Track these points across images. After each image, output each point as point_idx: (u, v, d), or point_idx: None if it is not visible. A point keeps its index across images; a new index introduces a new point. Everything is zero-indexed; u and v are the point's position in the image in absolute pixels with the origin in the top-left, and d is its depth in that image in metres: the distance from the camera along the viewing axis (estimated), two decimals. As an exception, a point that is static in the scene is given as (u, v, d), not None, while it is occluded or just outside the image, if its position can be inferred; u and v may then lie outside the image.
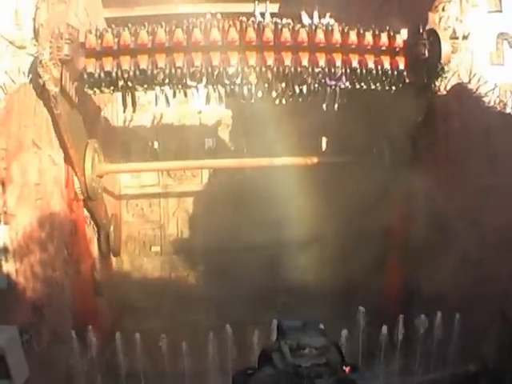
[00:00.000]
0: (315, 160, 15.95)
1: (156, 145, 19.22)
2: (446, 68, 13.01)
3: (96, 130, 15.71)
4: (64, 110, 12.61)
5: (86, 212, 15.11)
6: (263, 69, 13.16)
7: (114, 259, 18.67)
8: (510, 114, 12.10)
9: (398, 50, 13.48)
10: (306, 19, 13.50)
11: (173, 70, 12.87)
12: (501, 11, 13.76)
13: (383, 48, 13.41)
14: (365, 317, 13.09)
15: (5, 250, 10.79)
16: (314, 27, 13.08)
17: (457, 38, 13.47)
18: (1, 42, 11.56)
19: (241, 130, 19.71)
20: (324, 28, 13.10)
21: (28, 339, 10.69)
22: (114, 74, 12.76)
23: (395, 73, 13.42)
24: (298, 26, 13.13)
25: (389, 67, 13.38)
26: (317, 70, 13.21)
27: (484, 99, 12.57)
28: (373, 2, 16.11)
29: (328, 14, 13.55)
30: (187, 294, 17.74)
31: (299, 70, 13.17)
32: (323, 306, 15.24)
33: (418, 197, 14.52)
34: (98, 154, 15.16)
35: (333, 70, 13.25)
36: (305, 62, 13.10)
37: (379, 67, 13.39)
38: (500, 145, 11.92)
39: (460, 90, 13.22)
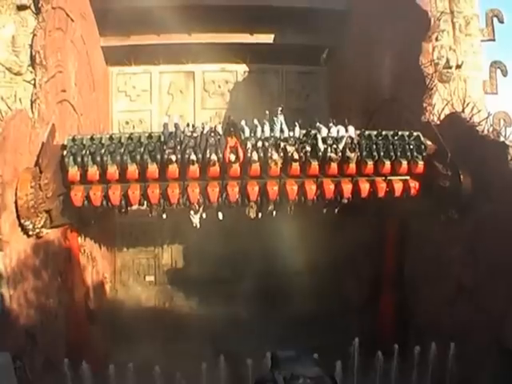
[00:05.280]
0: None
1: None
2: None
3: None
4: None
5: (80, 240, 15.02)
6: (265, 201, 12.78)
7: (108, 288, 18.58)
8: (503, 142, 12.11)
9: (414, 174, 12.90)
10: (324, 132, 12.54)
11: (167, 205, 12.66)
12: (494, 40, 13.94)
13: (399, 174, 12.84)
14: (359, 346, 12.99)
15: (-2, 276, 10.72)
16: (328, 156, 12.27)
17: (450, 68, 13.59)
18: (-2, 69, 11.65)
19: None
20: (339, 156, 12.30)
21: (21, 366, 10.56)
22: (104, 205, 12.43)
23: (404, 196, 12.90)
24: (310, 146, 12.35)
25: (399, 194, 12.84)
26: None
27: (478, 128, 12.62)
28: (364, 43, 16.32)
29: (352, 128, 12.63)
30: (181, 323, 17.60)
31: (303, 201, 12.77)
32: (318, 336, 15.14)
33: (412, 226, 14.53)
34: None
35: (339, 200, 12.86)
36: (311, 195, 12.62)
37: (389, 195, 12.87)
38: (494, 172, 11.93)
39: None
